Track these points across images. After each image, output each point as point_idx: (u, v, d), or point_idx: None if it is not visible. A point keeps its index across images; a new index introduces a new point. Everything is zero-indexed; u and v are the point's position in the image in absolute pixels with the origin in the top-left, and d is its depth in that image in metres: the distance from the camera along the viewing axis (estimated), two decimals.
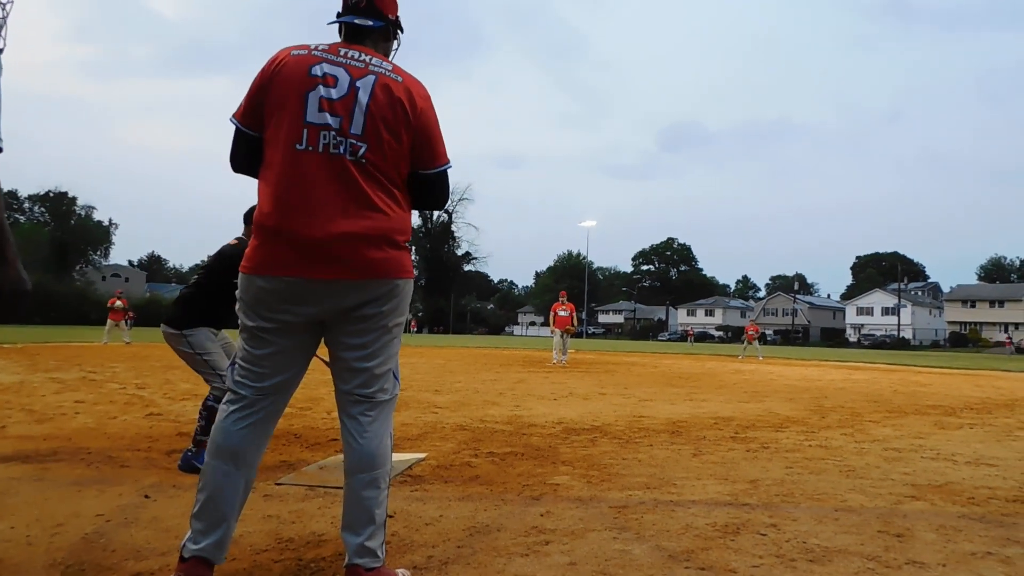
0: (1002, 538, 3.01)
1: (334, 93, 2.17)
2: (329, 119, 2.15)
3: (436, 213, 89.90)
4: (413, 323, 70.83)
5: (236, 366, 2.23)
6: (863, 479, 4.18)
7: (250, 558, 2.54)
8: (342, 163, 2.14)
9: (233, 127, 2.28)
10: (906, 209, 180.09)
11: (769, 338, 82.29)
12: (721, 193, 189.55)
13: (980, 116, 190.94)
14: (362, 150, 2.16)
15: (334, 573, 2.42)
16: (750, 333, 27.43)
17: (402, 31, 2.48)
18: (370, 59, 2.26)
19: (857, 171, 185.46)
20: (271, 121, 2.19)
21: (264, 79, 2.21)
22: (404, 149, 2.24)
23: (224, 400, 2.24)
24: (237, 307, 2.23)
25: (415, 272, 2.45)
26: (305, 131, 2.14)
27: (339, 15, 2.40)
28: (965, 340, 77.03)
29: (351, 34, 2.36)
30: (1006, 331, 74.55)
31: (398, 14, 2.46)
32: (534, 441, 5.26)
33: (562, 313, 17.06)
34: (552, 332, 17.64)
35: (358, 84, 2.19)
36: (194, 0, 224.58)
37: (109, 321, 21.99)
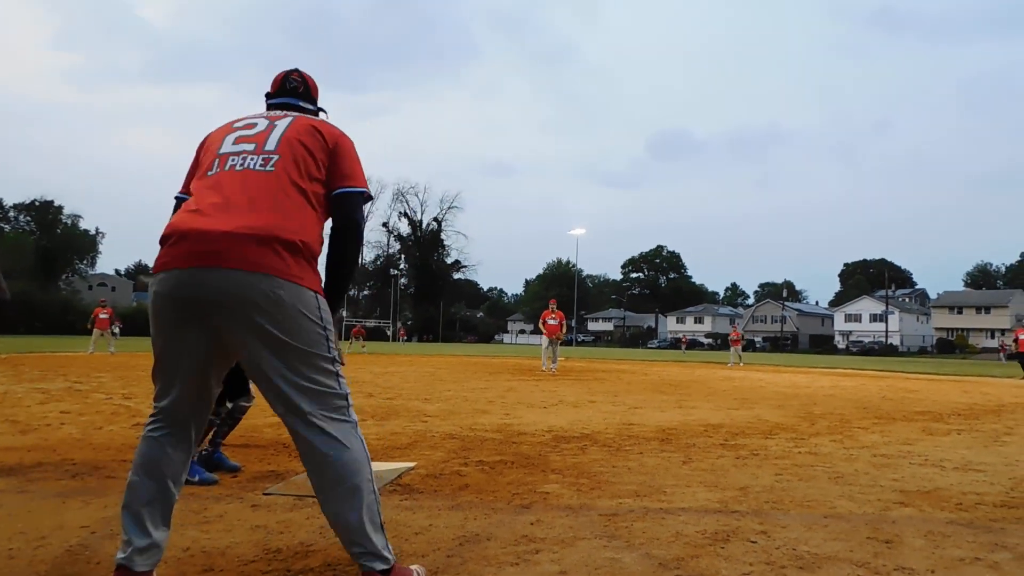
0: (990, 543, 3.02)
1: (251, 132, 2.35)
2: (244, 146, 2.30)
3: (426, 221, 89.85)
4: (403, 331, 70.37)
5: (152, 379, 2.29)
6: (852, 485, 4.19)
7: (237, 569, 2.51)
8: (249, 175, 2.22)
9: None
10: (893, 216, 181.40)
11: (758, 345, 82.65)
12: (710, 200, 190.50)
13: (965, 123, 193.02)
14: (273, 160, 2.25)
15: None
16: (733, 338, 27.62)
17: (326, 115, 2.67)
18: (291, 113, 2.47)
19: (845, 178, 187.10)
20: (195, 169, 2.40)
21: (197, 150, 2.45)
22: (320, 168, 2.31)
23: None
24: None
25: (363, 284, 2.42)
26: (216, 160, 2.30)
27: (271, 95, 2.64)
28: (952, 346, 77.57)
29: (282, 108, 2.58)
30: (993, 337, 75.14)
31: (318, 99, 2.74)
32: (524, 449, 5.25)
33: (551, 321, 17.09)
34: (542, 340, 17.66)
35: (276, 123, 2.37)
36: (183, 8, 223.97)
37: (95, 331, 21.85)
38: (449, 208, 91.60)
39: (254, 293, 2.07)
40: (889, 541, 3.01)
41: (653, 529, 3.13)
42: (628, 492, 3.87)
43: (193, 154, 2.47)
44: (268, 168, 2.22)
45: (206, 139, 2.44)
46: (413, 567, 2.33)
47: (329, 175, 2.32)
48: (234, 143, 2.31)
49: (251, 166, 2.24)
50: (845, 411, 8.82)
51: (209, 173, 2.27)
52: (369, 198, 2.40)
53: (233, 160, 2.26)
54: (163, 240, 2.19)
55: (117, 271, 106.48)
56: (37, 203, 77.85)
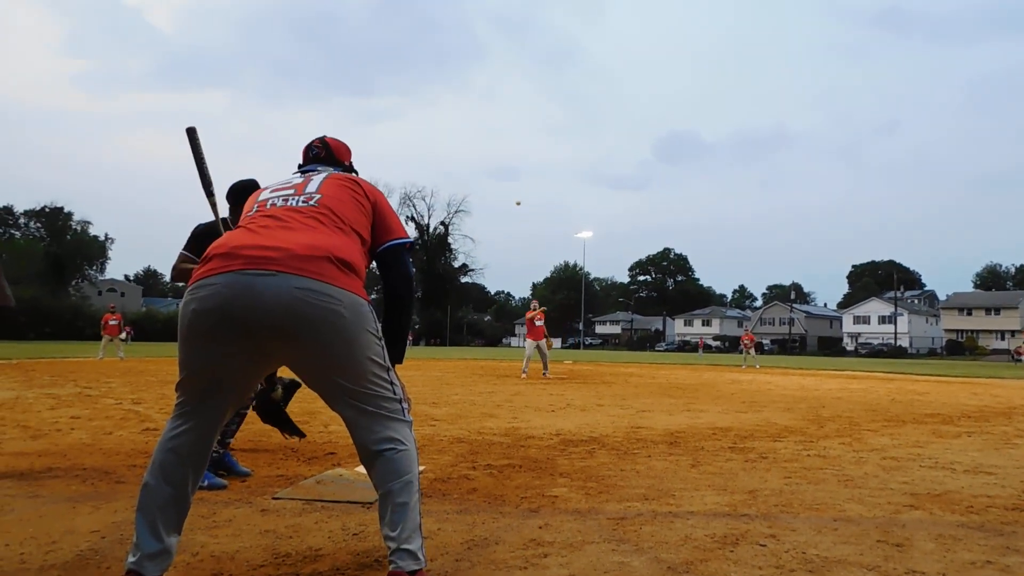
0: (1001, 547, 3.00)
1: (287, 186, 2.45)
2: (283, 192, 2.40)
3: (433, 225, 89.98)
4: (410, 335, 70.26)
5: (177, 386, 2.27)
6: (862, 488, 4.17)
7: (246, 574, 2.52)
8: (290, 208, 2.29)
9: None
10: (901, 217, 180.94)
11: (766, 347, 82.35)
12: (717, 203, 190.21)
13: (973, 123, 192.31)
14: (315, 198, 2.32)
15: None
16: (746, 342, 27.50)
17: (357, 173, 2.78)
18: (325, 167, 2.62)
19: (852, 179, 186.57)
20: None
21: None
22: (364, 212, 2.38)
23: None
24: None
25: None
26: (256, 206, 2.37)
27: (300, 167, 2.72)
28: (962, 348, 77.16)
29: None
30: (1003, 338, 74.68)
31: (351, 160, 2.82)
32: (532, 453, 5.24)
33: (538, 323, 16.23)
34: (526, 344, 16.80)
35: (312, 177, 2.48)
36: (191, 14, 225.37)
37: (104, 336, 21.96)
38: (456, 212, 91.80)
39: (312, 297, 2.09)
40: (900, 544, 3.00)
41: (662, 533, 3.12)
42: (636, 496, 3.87)
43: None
44: (312, 204, 2.31)
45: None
46: None
47: (374, 229, 2.41)
48: (271, 192, 2.42)
49: (293, 204, 2.31)
50: (854, 414, 8.78)
51: (248, 215, 2.34)
52: (413, 246, 2.49)
53: (274, 201, 2.35)
54: (206, 257, 2.18)
55: (126, 276, 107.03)
56: (47, 209, 78.37)
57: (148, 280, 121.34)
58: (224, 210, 4.11)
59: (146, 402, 8.50)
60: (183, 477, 2.19)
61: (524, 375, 16.06)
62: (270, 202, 2.35)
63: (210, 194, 3.36)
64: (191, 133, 3.18)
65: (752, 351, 27.32)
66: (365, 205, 2.40)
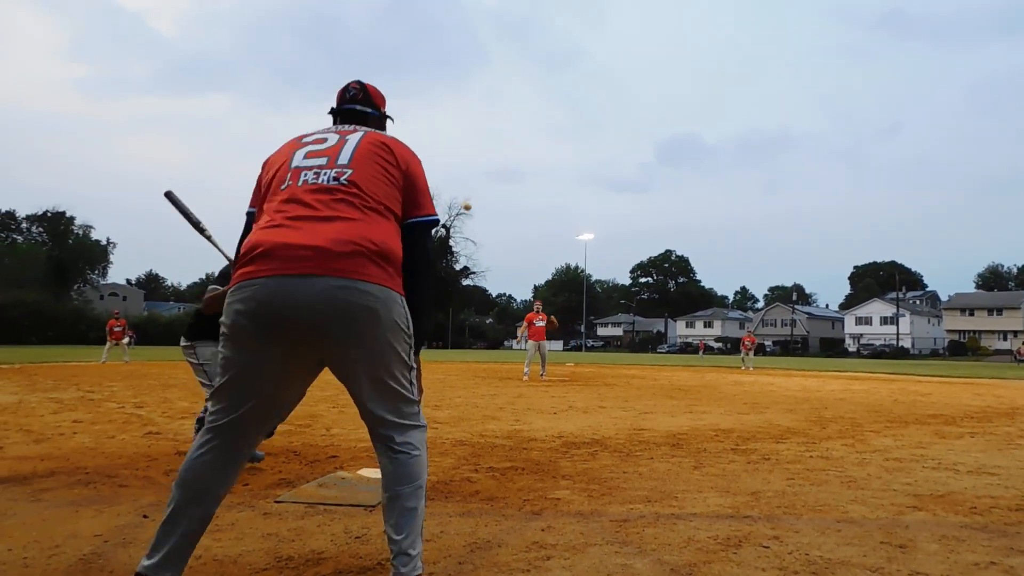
0: (1005, 548, 3.00)
1: (322, 146, 2.35)
2: (316, 161, 2.30)
3: (433, 228, 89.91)
4: None
5: (212, 398, 2.21)
6: (865, 490, 4.16)
7: None
8: (323, 188, 2.22)
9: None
10: (903, 218, 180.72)
11: (768, 349, 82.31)
12: (719, 205, 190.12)
13: (975, 125, 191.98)
14: (346, 175, 2.24)
15: None
16: (747, 344, 27.49)
17: (392, 122, 2.71)
18: (359, 127, 2.47)
19: (854, 181, 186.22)
20: (264, 189, 2.36)
21: (263, 165, 2.44)
22: (395, 185, 2.31)
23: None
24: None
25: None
26: (289, 174, 2.29)
27: (335, 109, 2.65)
28: (964, 348, 77.04)
29: (348, 119, 2.59)
30: (1005, 339, 74.59)
31: (386, 108, 2.73)
32: (534, 455, 5.24)
33: (538, 324, 16.09)
34: (527, 345, 16.60)
35: (347, 138, 2.37)
36: (192, 18, 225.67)
37: (109, 341, 22.01)
38: (457, 215, 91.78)
39: (348, 299, 2.09)
40: (903, 546, 2.99)
41: (665, 535, 3.12)
42: (639, 498, 3.86)
43: (259, 172, 2.46)
44: (343, 181, 2.23)
45: (272, 156, 2.44)
46: None
47: (404, 200, 2.35)
48: (305, 157, 2.32)
49: (325, 180, 2.23)
50: (856, 415, 8.77)
51: (282, 187, 2.26)
52: (437, 223, 2.44)
53: (306, 175, 2.26)
54: (244, 255, 2.16)
55: (128, 281, 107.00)
56: (49, 214, 78.39)
57: (150, 284, 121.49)
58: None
59: (148, 406, 8.50)
60: (216, 491, 2.18)
61: (526, 377, 16.04)
62: (303, 176, 2.26)
63: (202, 231, 3.73)
64: (169, 196, 3.73)
65: (752, 353, 27.32)
66: (396, 176, 2.33)
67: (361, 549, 2.86)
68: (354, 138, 2.36)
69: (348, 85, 2.67)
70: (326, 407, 7.95)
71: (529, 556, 2.79)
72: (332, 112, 2.66)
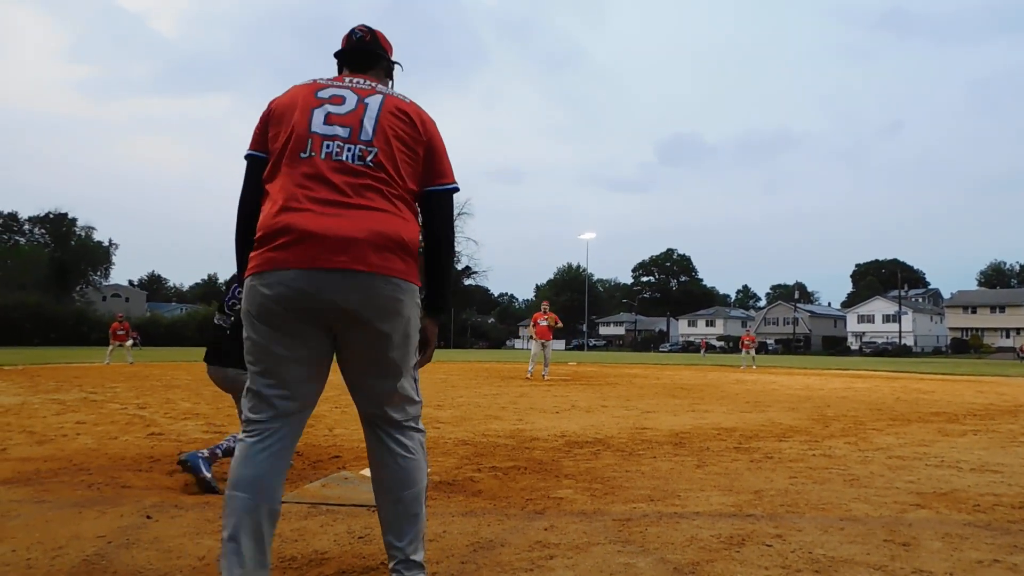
0: (1008, 545, 2.99)
1: (341, 109, 2.21)
2: (337, 130, 2.16)
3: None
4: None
5: (247, 393, 2.14)
6: (867, 488, 4.16)
7: None
8: (348, 167, 2.12)
9: (245, 166, 2.29)
10: (905, 216, 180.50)
11: (770, 347, 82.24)
12: (720, 203, 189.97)
13: (976, 124, 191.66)
14: (371, 155, 2.15)
15: None
16: (747, 343, 27.51)
17: (402, 68, 2.56)
18: (375, 84, 2.32)
19: (855, 180, 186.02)
20: (275, 142, 2.20)
21: (270, 108, 2.27)
22: (416, 161, 2.24)
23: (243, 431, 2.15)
24: (243, 320, 2.15)
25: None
26: (310, 140, 2.15)
27: (341, 52, 2.49)
28: (967, 346, 76.94)
29: (357, 62, 2.45)
30: (1008, 336, 74.49)
31: (393, 54, 2.57)
32: (537, 455, 5.24)
33: (543, 323, 16.24)
34: (531, 344, 16.84)
35: (366, 100, 2.24)
36: (193, 19, 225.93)
37: (113, 343, 22.03)
38: (459, 214, 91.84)
39: (379, 296, 2.07)
40: (906, 544, 2.99)
41: (667, 534, 3.12)
42: (642, 497, 3.86)
43: (265, 109, 2.29)
44: (368, 163, 2.14)
45: (281, 101, 2.26)
46: None
47: (425, 169, 2.28)
48: (325, 122, 2.18)
49: (350, 159, 2.13)
50: (859, 413, 8.76)
51: (303, 155, 2.13)
52: (458, 191, 2.35)
53: (328, 146, 2.14)
54: (271, 236, 2.07)
55: (131, 282, 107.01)
56: (51, 215, 78.46)
57: (152, 285, 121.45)
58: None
59: (151, 407, 8.51)
60: (276, 484, 2.11)
61: (529, 375, 16.14)
62: (325, 147, 2.14)
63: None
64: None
65: (752, 351, 27.32)
66: (418, 151, 2.25)
67: (364, 549, 2.86)
68: (374, 103, 2.24)
69: (354, 29, 2.53)
70: (328, 407, 7.95)
71: (532, 555, 2.79)
72: (338, 56, 2.51)
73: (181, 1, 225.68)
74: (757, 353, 27.72)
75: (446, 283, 2.36)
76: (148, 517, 3.30)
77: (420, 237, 2.29)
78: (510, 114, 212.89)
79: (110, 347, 22.00)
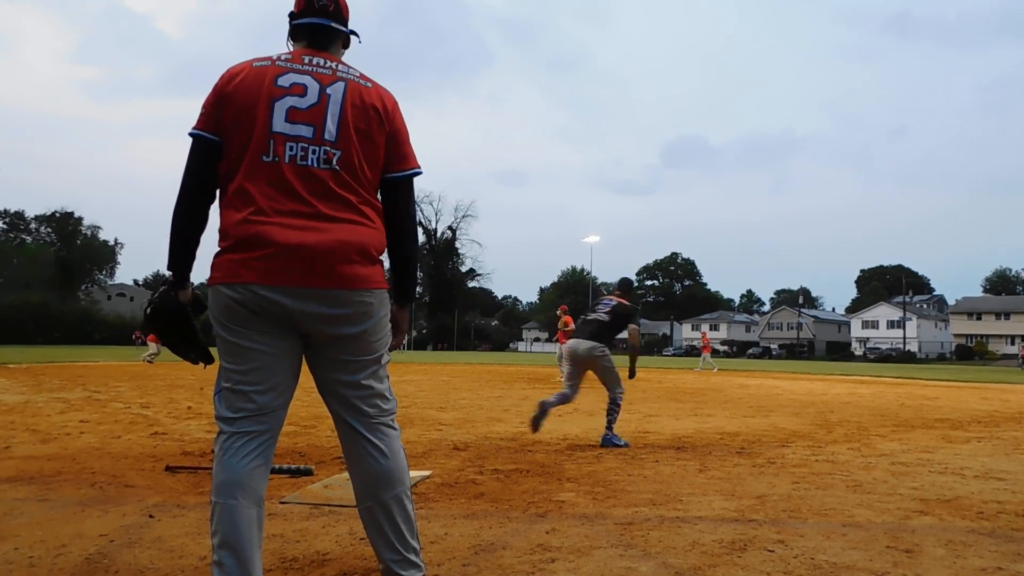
0: (1012, 553, 2.98)
1: (303, 103, 2.10)
2: (301, 129, 2.08)
3: (440, 230, 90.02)
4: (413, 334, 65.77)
5: (222, 392, 2.12)
6: (870, 494, 4.15)
7: None
8: (312, 173, 2.07)
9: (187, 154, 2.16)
10: (910, 221, 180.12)
11: (774, 352, 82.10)
12: (725, 207, 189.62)
13: (982, 127, 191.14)
14: (336, 158, 2.09)
15: None
16: (703, 345, 27.96)
17: (359, 41, 2.41)
18: (336, 66, 2.20)
19: (860, 184, 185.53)
20: (233, 135, 2.09)
21: (223, 90, 2.12)
22: (378, 156, 2.18)
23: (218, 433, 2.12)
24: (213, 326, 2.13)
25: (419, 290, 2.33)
26: (271, 141, 2.06)
27: (296, 16, 2.29)
28: (972, 353, 76.64)
29: (316, 38, 2.27)
30: (1013, 343, 74.23)
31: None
32: (539, 458, 5.24)
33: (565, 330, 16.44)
34: (558, 348, 17.17)
35: (328, 91, 2.13)
36: (198, 20, 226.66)
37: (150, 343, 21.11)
38: (464, 217, 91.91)
39: (349, 307, 2.08)
40: (909, 550, 2.98)
41: (669, 538, 3.11)
42: (644, 500, 3.86)
43: (215, 87, 2.14)
44: (333, 166, 2.08)
45: (244, 79, 2.11)
46: None
47: (386, 156, 2.21)
48: (287, 118, 2.08)
49: (314, 163, 2.07)
50: (863, 419, 8.74)
51: (265, 159, 2.05)
52: (420, 174, 2.29)
53: (292, 148, 2.06)
54: (238, 247, 2.02)
55: (135, 281, 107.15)
56: (57, 215, 78.83)
57: (157, 285, 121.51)
58: None
59: (155, 406, 8.53)
60: (260, 487, 2.09)
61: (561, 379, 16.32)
62: (288, 151, 2.06)
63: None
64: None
65: (709, 355, 27.95)
66: (380, 141, 2.17)
67: (366, 550, 2.86)
68: (336, 95, 2.13)
69: None
70: None
71: (534, 558, 2.79)
72: (292, 19, 2.30)
73: (188, 1, 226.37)
74: (760, 357, 27.91)
75: (411, 270, 2.33)
76: (150, 516, 3.30)
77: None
78: (515, 116, 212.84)
79: (151, 348, 21.06)
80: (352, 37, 2.38)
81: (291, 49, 2.29)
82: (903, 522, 3.49)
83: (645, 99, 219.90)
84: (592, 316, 6.48)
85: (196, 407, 8.41)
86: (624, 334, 6.71)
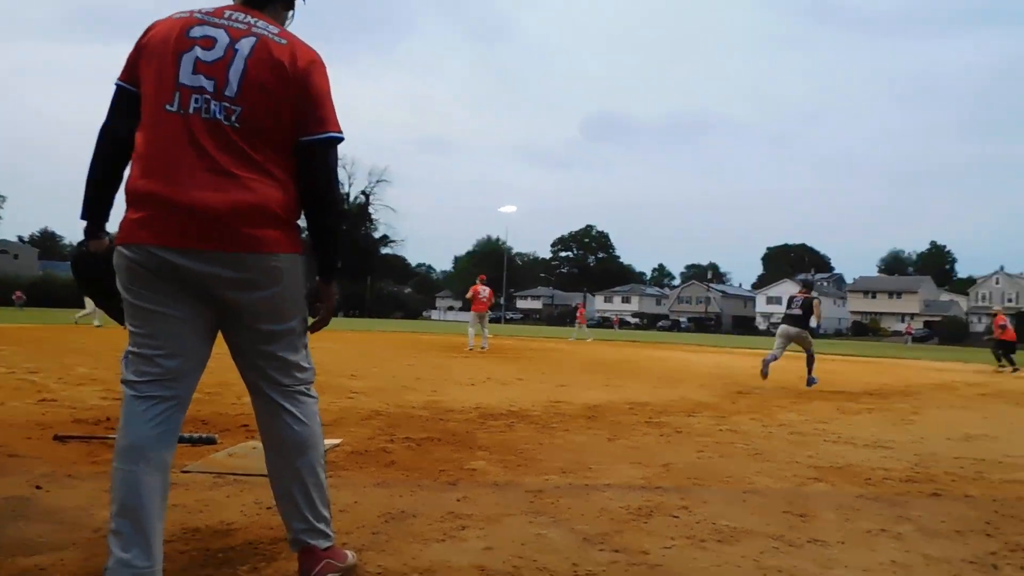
0: (895, 516, 3.18)
1: (209, 56, 2.02)
2: (203, 81, 1.99)
3: (353, 194, 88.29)
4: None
5: (128, 356, 2.04)
6: (770, 462, 4.33)
7: None
8: (216, 127, 1.98)
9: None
10: (816, 204, 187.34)
11: (683, 325, 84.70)
12: (642, 183, 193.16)
13: (890, 119, 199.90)
14: (236, 114, 2.00)
15: (242, 563, 2.34)
16: (579, 316, 29.92)
17: (303, 0, 2.32)
18: (255, 21, 2.09)
19: (773, 166, 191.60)
20: (145, 83, 2.04)
21: (140, 41, 2.09)
22: (285, 115, 2.05)
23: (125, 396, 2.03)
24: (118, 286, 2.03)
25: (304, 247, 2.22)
26: (177, 93, 1.99)
27: None
28: (866, 329, 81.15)
29: None
30: (903, 321, 78.90)
31: None
32: (451, 427, 5.23)
33: (482, 296, 16.87)
34: (469, 316, 17.49)
35: (236, 46, 2.04)
36: None
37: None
38: (378, 182, 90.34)
39: (254, 272, 1.99)
40: (803, 515, 3.13)
41: (579, 505, 3.16)
42: (555, 469, 3.91)
43: (139, 38, 2.10)
44: (234, 122, 1.99)
45: (160, 30, 2.07)
46: (346, 552, 2.30)
47: (299, 118, 2.06)
48: (194, 71, 2.00)
49: (216, 115, 1.98)
50: (765, 391, 9.13)
51: (169, 108, 1.98)
52: (342, 140, 2.15)
53: (196, 100, 1.98)
54: (135, 203, 1.96)
55: (20, 238, 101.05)
56: None
57: (45, 242, 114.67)
58: None
59: (43, 371, 8.06)
60: (167, 456, 2.01)
61: (471, 348, 16.52)
62: (192, 103, 1.98)
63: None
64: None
65: (584, 326, 29.74)
66: (286, 99, 2.03)
67: (273, 520, 2.78)
68: (243, 49, 2.03)
69: None
70: (236, 375, 7.70)
71: (444, 526, 2.78)
72: None
73: None
74: (669, 330, 29.18)
75: (333, 241, 2.24)
76: (38, 487, 3.12)
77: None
78: (438, 83, 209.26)
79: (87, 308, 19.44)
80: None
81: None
82: (799, 488, 3.67)
83: (569, 73, 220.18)
84: (790, 311, 10.17)
85: (90, 372, 8.00)
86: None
